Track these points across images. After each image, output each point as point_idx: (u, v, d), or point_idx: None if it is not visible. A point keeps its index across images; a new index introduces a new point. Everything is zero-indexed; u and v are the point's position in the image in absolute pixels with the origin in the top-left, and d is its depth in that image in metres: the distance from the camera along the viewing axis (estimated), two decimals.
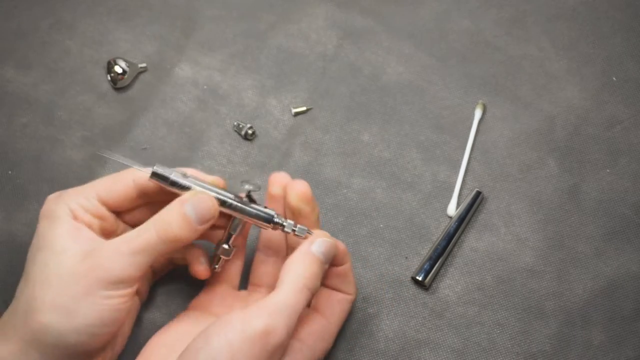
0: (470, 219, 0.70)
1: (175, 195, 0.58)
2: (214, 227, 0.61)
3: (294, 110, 0.74)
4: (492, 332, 0.66)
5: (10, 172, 0.71)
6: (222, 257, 0.61)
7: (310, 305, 0.61)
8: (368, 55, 0.77)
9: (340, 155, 0.73)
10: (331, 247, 0.58)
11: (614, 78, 0.76)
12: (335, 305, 0.61)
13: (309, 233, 0.59)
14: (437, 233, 0.70)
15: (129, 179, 0.59)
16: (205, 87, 0.76)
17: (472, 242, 0.69)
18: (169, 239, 0.55)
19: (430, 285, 0.67)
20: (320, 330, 0.59)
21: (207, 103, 0.75)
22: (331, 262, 0.59)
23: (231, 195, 0.59)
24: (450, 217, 0.70)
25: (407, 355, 0.65)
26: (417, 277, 0.67)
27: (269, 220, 0.59)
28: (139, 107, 0.75)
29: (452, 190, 0.71)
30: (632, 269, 0.68)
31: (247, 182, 0.59)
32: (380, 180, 0.72)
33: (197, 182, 0.58)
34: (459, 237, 0.69)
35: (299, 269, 0.55)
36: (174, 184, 0.58)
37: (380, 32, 0.78)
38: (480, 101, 0.75)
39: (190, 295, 0.67)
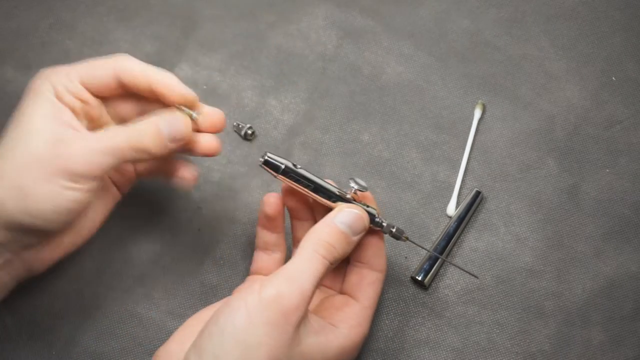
0: (469, 219, 0.70)
1: (147, 103, 0.61)
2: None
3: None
4: (492, 331, 0.66)
5: None
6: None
7: (343, 292, 0.62)
8: (368, 55, 0.78)
9: (340, 155, 0.73)
10: (357, 218, 0.58)
11: (613, 78, 0.76)
12: (368, 288, 0.61)
13: (406, 237, 0.62)
14: (437, 233, 0.70)
15: (110, 67, 0.59)
16: (204, 87, 0.76)
17: (472, 242, 0.69)
18: (140, 149, 0.57)
19: (430, 284, 0.67)
20: (355, 315, 0.59)
21: (206, 103, 0.75)
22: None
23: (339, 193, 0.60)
24: (450, 217, 0.70)
25: (406, 354, 0.65)
26: (417, 277, 0.67)
27: (371, 220, 0.60)
28: None
29: (451, 190, 0.71)
30: (631, 269, 0.68)
31: (355, 181, 0.60)
32: (380, 180, 0.72)
33: (309, 174, 0.60)
34: (459, 237, 0.69)
35: (314, 237, 0.56)
36: (286, 173, 0.60)
37: (380, 32, 0.79)
38: (479, 101, 0.75)
39: (189, 295, 0.67)
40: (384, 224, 0.61)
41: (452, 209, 0.70)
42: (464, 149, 0.73)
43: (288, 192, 0.62)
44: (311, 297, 0.54)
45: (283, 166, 0.59)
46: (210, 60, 0.77)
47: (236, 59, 0.77)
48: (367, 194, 0.61)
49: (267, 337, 0.52)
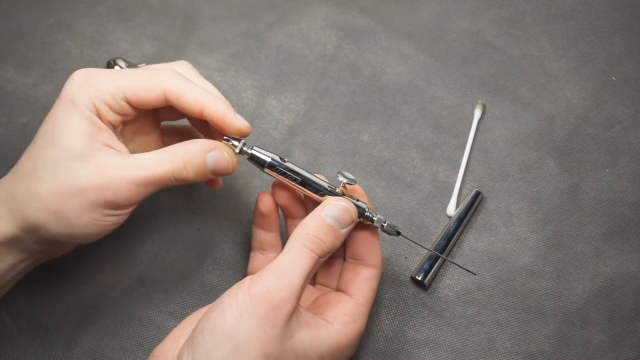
0: (469, 219, 0.70)
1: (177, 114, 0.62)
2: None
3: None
4: (492, 331, 0.66)
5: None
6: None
7: (338, 289, 0.62)
8: (368, 55, 0.78)
9: (340, 155, 0.73)
10: (344, 211, 0.58)
11: (613, 78, 0.76)
12: (363, 284, 0.60)
13: (397, 232, 0.61)
14: (437, 233, 0.70)
15: (160, 89, 0.58)
16: None
17: (472, 242, 0.69)
18: (181, 179, 0.57)
19: (430, 285, 0.67)
20: (349, 311, 0.59)
21: None
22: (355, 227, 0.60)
23: (327, 186, 0.60)
24: (450, 217, 0.70)
25: (406, 354, 0.65)
26: (417, 277, 0.67)
27: (361, 213, 0.60)
28: None
29: (451, 190, 0.71)
30: (631, 269, 0.68)
31: (342, 174, 0.60)
32: (380, 180, 0.72)
33: (297, 167, 0.60)
34: (459, 237, 0.69)
35: (302, 231, 0.56)
36: (272, 166, 0.60)
37: (380, 32, 0.79)
38: (479, 101, 0.75)
39: (189, 295, 0.67)
40: (374, 218, 0.60)
41: (452, 209, 0.70)
42: (464, 149, 0.73)
43: (278, 188, 0.62)
44: (301, 291, 0.54)
45: (269, 159, 0.59)
46: (210, 61, 0.77)
47: (236, 59, 0.77)
48: (356, 187, 0.61)
49: (258, 332, 0.52)
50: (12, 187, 0.57)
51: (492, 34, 0.78)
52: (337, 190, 0.60)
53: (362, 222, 0.60)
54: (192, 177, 0.58)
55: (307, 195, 0.60)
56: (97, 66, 0.76)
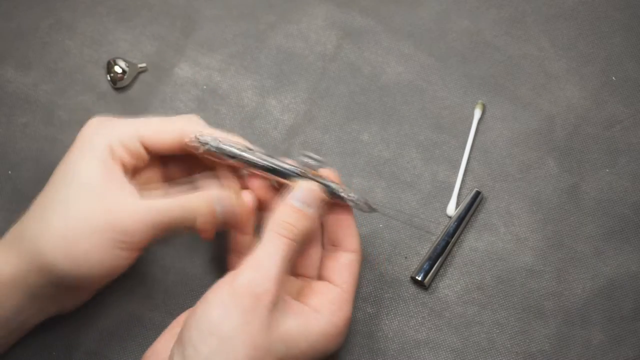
0: (469, 219, 0.70)
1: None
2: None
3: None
4: (492, 331, 0.66)
5: (10, 172, 0.71)
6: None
7: (321, 277, 0.62)
8: (368, 55, 0.78)
9: (340, 155, 0.73)
10: (308, 192, 0.58)
11: (613, 78, 0.76)
12: (344, 270, 0.60)
13: (373, 208, 0.61)
14: (437, 233, 0.70)
15: (178, 133, 0.59)
16: (204, 87, 0.76)
17: (472, 242, 0.69)
18: (189, 225, 0.59)
19: (430, 285, 0.67)
20: (334, 299, 0.59)
21: (206, 103, 0.75)
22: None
23: (291, 167, 0.60)
24: (450, 217, 0.70)
25: (406, 355, 0.65)
26: (417, 277, 0.67)
27: (331, 192, 0.60)
28: (139, 107, 0.75)
29: (451, 190, 0.71)
30: (631, 269, 0.68)
31: (306, 155, 0.60)
32: (380, 180, 0.72)
33: (261, 155, 0.60)
34: (459, 237, 0.69)
35: (273, 220, 0.57)
36: (233, 157, 0.60)
37: (380, 32, 0.79)
38: (479, 101, 0.75)
39: (189, 295, 0.67)
40: (344, 195, 0.60)
41: (452, 209, 0.70)
42: (463, 149, 0.73)
43: (252, 178, 0.62)
44: (280, 279, 0.54)
45: (231, 149, 0.60)
46: (210, 60, 0.77)
47: (236, 59, 0.77)
48: (326, 170, 0.61)
49: (243, 324, 0.52)
50: (21, 229, 0.58)
51: (492, 34, 0.78)
52: (309, 175, 0.60)
53: (337, 205, 0.60)
54: (200, 225, 0.60)
55: (279, 182, 0.61)
56: (97, 66, 0.76)
